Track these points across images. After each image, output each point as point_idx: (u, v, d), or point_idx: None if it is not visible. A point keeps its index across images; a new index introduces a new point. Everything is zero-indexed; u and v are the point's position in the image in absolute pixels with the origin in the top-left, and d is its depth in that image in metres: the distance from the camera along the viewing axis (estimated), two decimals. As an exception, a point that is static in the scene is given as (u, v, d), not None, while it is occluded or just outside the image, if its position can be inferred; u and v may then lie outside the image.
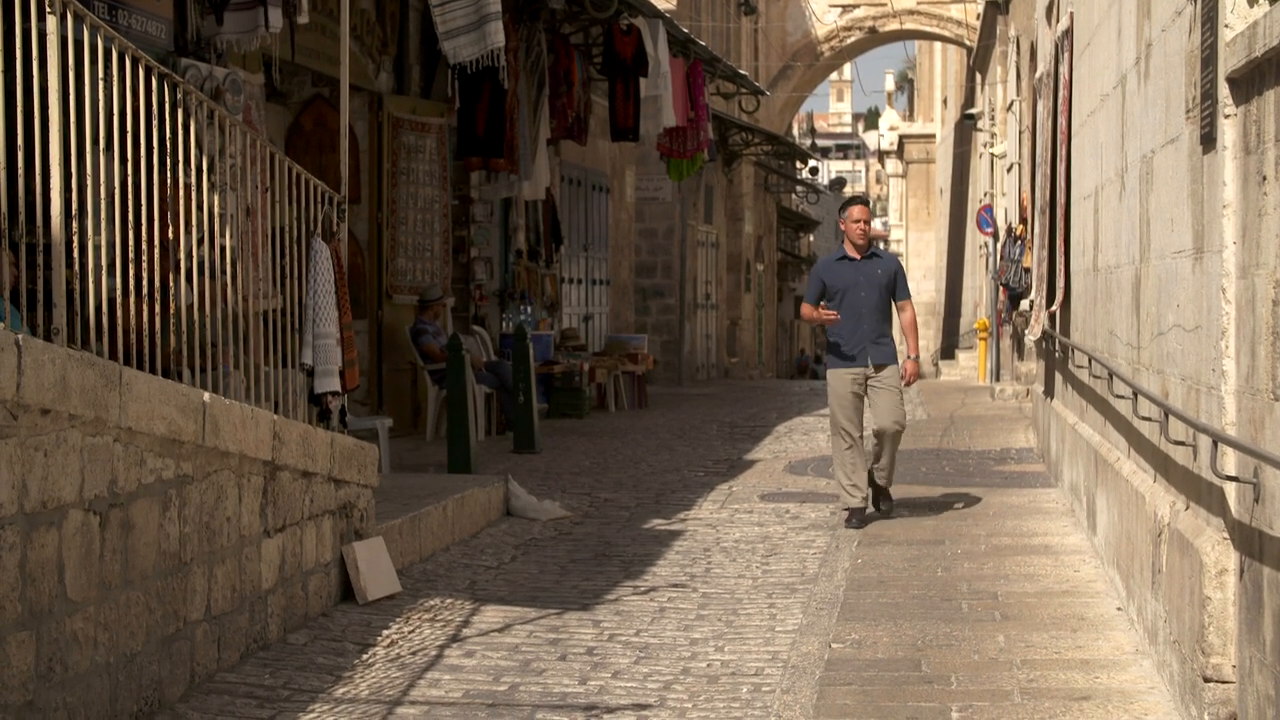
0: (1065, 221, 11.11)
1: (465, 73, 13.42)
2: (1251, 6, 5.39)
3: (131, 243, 6.39)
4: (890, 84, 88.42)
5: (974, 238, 34.55)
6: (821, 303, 10.88)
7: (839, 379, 10.65)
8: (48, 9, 5.67)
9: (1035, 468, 13.47)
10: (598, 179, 22.99)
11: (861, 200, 11.22)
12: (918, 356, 10.82)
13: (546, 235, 19.58)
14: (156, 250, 6.59)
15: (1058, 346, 11.81)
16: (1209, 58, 5.76)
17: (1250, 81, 5.26)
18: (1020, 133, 19.00)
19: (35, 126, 5.62)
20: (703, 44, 21.04)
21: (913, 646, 7.23)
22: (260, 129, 10.66)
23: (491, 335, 17.49)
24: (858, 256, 10.74)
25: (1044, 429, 13.68)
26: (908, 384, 10.73)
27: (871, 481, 10.87)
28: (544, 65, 16.71)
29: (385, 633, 7.77)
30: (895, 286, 10.79)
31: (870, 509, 10.83)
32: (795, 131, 53.42)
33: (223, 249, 7.38)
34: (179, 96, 6.84)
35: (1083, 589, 8.39)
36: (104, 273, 6.13)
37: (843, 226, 10.93)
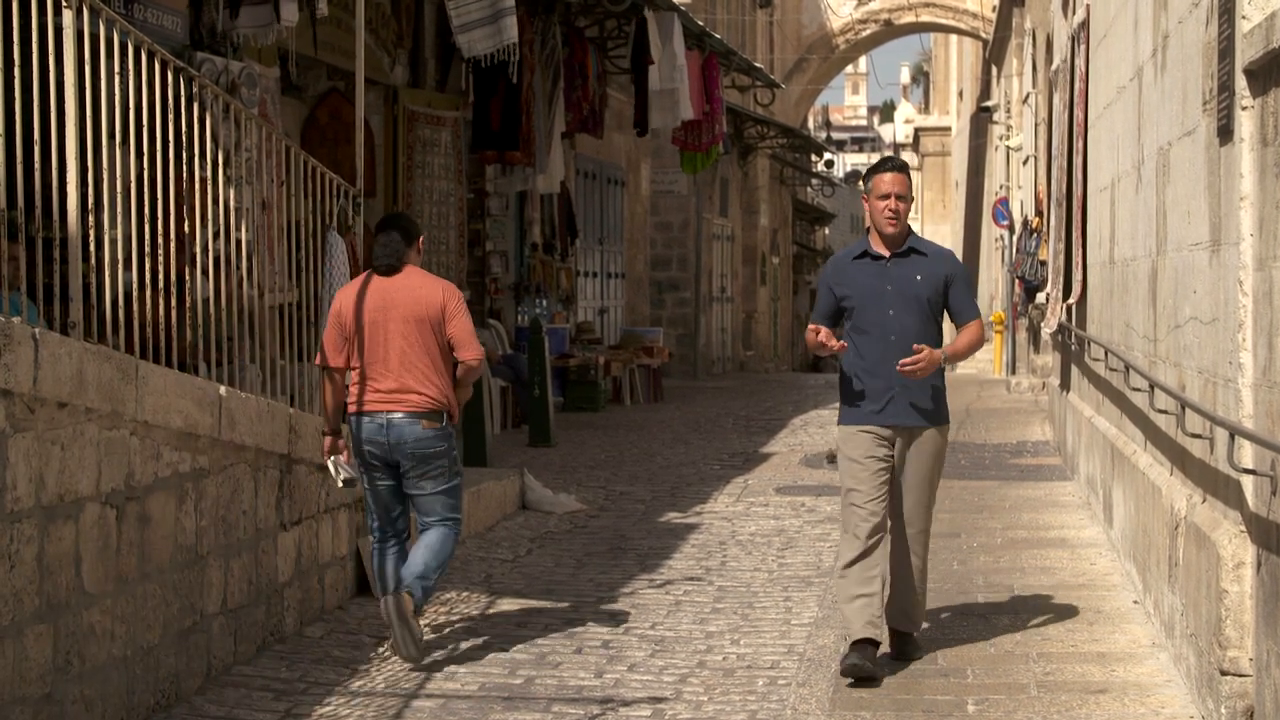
0: (1081, 214, 11.08)
1: (480, 66, 13.42)
2: (1269, -2, 5.37)
3: (148, 237, 6.40)
4: (905, 77, 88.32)
5: (990, 231, 34.50)
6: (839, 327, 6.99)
7: (853, 439, 6.83)
8: (64, 3, 5.68)
9: (1051, 461, 13.45)
10: (613, 172, 22.98)
11: (895, 164, 7.06)
12: (947, 356, 6.77)
13: (562, 228, 19.58)
14: (173, 244, 6.60)
15: (1074, 339, 11.78)
16: (1226, 49, 5.74)
17: (1268, 73, 5.24)
18: (1036, 125, 18.97)
19: (52, 121, 5.63)
20: (718, 37, 21.01)
21: (928, 639, 7.22)
22: (276, 122, 10.67)
23: (507, 329, 17.50)
24: (886, 253, 6.87)
25: (1060, 422, 13.65)
26: (910, 366, 6.58)
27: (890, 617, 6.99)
28: (559, 58, 16.70)
29: (401, 626, 7.77)
30: (950, 300, 6.89)
31: (883, 648, 6.85)
32: (810, 124, 53.38)
33: (238, 243, 7.39)
34: (195, 90, 6.85)
35: (1099, 582, 8.38)
36: (120, 267, 6.14)
37: (866, 206, 6.97)
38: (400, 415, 6.91)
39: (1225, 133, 5.77)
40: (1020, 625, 7.45)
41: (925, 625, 7.19)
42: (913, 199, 7.06)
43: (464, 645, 7.42)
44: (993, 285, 34.08)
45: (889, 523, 6.84)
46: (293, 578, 7.54)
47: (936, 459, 6.93)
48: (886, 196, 6.81)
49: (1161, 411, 7.09)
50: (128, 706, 5.91)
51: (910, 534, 6.91)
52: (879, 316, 6.78)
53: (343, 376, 7.08)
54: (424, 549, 7.06)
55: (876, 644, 6.65)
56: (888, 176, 6.86)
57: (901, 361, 6.62)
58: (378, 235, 7.12)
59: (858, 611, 6.66)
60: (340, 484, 7.18)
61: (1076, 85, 11.26)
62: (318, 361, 7.15)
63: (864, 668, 6.51)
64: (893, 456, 6.82)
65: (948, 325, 6.94)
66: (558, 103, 16.81)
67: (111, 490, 5.74)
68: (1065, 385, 13.14)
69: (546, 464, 13.25)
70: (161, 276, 6.49)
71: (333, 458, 7.14)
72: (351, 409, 7.03)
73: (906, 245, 6.88)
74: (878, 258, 6.87)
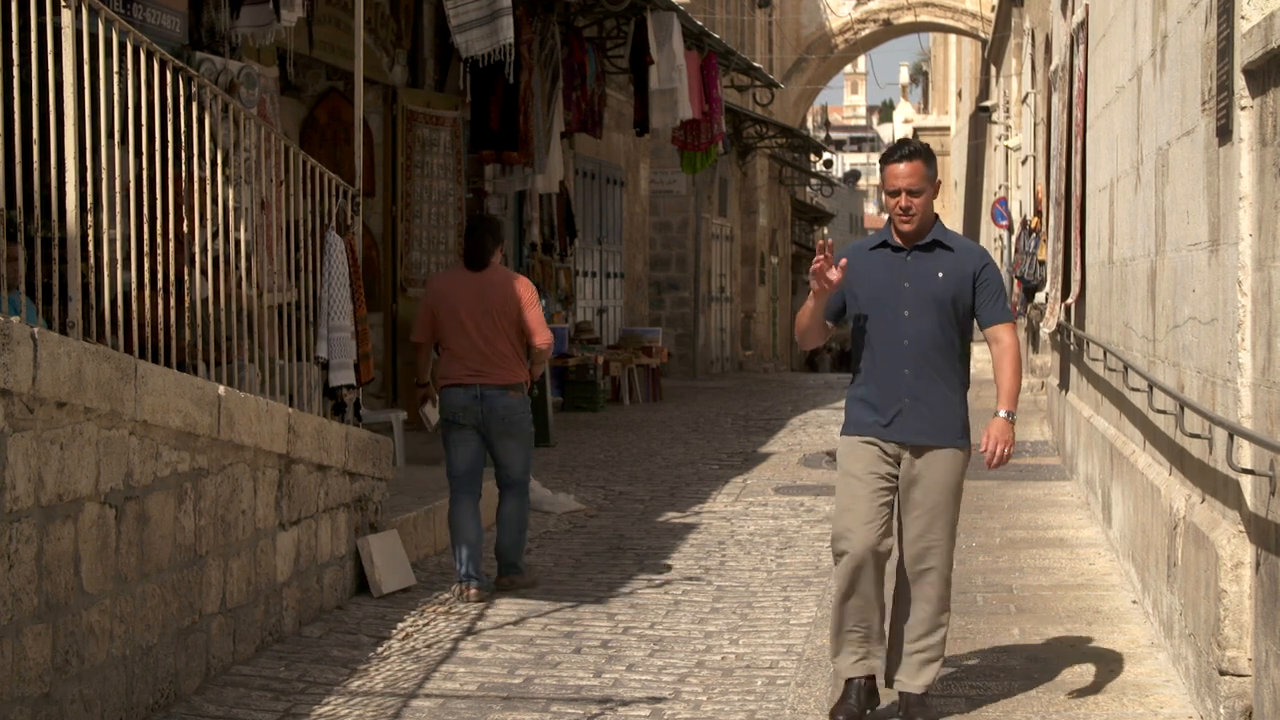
0: (1080, 214, 11.08)
1: (479, 66, 13.42)
2: (1268, -2, 5.37)
3: (146, 236, 6.41)
4: (905, 77, 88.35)
5: (989, 231, 34.52)
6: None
7: (852, 451, 5.96)
8: (63, 3, 5.68)
9: (1050, 461, 13.45)
10: (612, 172, 22.97)
11: (907, 150, 5.97)
12: (1012, 413, 5.91)
13: (561, 228, 19.58)
14: (171, 244, 6.60)
15: (1073, 339, 11.79)
16: (1225, 49, 5.74)
17: (1267, 73, 5.24)
18: (1035, 125, 18.96)
19: (51, 121, 5.63)
20: (717, 37, 21.00)
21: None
22: (275, 122, 10.67)
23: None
24: (905, 246, 5.98)
25: (1059, 422, 13.66)
26: (994, 463, 5.85)
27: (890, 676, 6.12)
28: (558, 58, 16.69)
29: (400, 625, 7.78)
30: (977, 300, 5.96)
31: (884, 686, 6.09)
32: (809, 124, 53.38)
33: (237, 242, 7.39)
34: (194, 90, 6.85)
35: (1098, 582, 8.38)
36: (119, 266, 6.14)
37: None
38: (492, 388, 8.25)
39: (1224, 133, 5.78)
40: (1019, 625, 7.45)
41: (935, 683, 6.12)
42: (937, 183, 5.95)
43: (463, 645, 7.43)
44: (992, 285, 34.00)
45: (889, 549, 5.93)
46: (291, 577, 7.54)
47: (951, 487, 5.90)
48: (896, 193, 5.89)
49: (1160, 411, 7.09)
50: (127, 706, 5.91)
51: (916, 573, 5.93)
52: (891, 317, 5.87)
53: (430, 349, 8.54)
54: (506, 528, 8.48)
55: (868, 685, 5.98)
56: (900, 168, 5.89)
57: (985, 461, 5.83)
58: (470, 237, 8.51)
59: (838, 648, 6.01)
60: (432, 425, 8.61)
61: (1075, 85, 11.26)
62: (413, 338, 8.62)
63: (852, 715, 5.91)
64: (897, 478, 5.90)
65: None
66: (557, 103, 16.81)
67: (110, 490, 5.74)
68: (1064, 385, 13.15)
69: (545, 464, 13.25)
70: (160, 276, 6.49)
71: (425, 406, 8.61)
72: (444, 382, 8.35)
73: (930, 238, 5.94)
74: (897, 249, 5.95)
